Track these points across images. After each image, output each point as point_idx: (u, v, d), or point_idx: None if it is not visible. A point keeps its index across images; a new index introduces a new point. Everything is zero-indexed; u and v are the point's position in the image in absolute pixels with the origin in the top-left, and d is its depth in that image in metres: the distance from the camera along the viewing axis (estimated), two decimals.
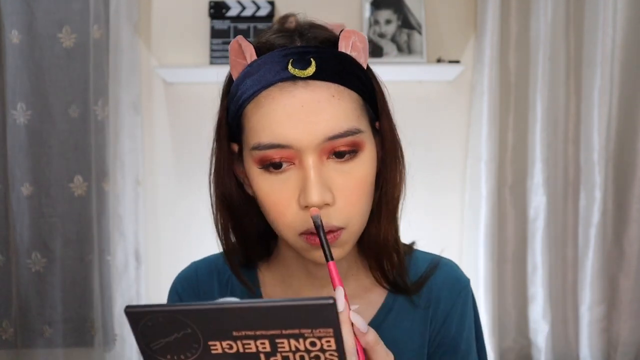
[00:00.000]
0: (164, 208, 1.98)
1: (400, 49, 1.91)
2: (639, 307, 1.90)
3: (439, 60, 1.92)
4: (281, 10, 1.93)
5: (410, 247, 0.75)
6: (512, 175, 1.95)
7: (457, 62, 1.90)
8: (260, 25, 1.89)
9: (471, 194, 1.94)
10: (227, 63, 2.04)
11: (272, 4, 1.89)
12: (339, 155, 0.60)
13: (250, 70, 0.61)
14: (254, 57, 0.62)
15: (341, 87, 0.60)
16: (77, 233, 1.86)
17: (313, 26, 0.65)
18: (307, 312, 0.43)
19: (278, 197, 0.61)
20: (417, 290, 0.71)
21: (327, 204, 0.59)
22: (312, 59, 0.59)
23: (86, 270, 1.85)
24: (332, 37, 0.64)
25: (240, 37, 0.62)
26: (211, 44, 1.89)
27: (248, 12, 1.89)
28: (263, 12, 1.89)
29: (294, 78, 0.59)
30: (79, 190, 1.86)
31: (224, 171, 0.67)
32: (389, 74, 1.90)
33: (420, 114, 1.98)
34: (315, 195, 0.58)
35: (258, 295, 0.73)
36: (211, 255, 0.79)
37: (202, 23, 1.94)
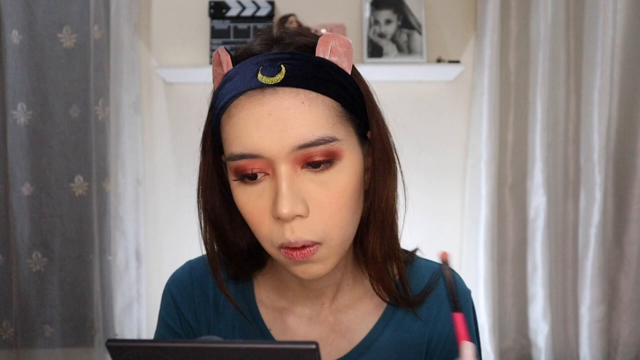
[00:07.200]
0: (164, 208, 1.98)
1: (400, 49, 1.91)
2: (639, 307, 1.90)
3: (439, 60, 1.92)
4: (281, 10, 1.93)
5: (412, 255, 0.73)
6: (512, 175, 1.95)
7: (457, 62, 1.90)
8: (260, 25, 1.89)
9: (471, 194, 1.94)
10: None
11: (272, 4, 1.89)
12: (313, 165, 0.57)
13: (226, 79, 0.60)
14: (230, 66, 0.61)
15: (313, 94, 0.57)
16: (78, 233, 1.86)
17: (298, 33, 0.63)
18: (289, 355, 0.42)
19: (253, 208, 0.59)
20: (419, 304, 0.69)
21: (300, 216, 0.57)
22: (282, 66, 0.57)
23: (87, 270, 1.85)
24: (313, 44, 0.61)
25: (220, 48, 0.61)
26: (211, 44, 1.89)
27: (248, 12, 1.89)
28: (263, 12, 1.89)
29: (262, 86, 0.57)
30: (80, 190, 1.86)
31: (209, 183, 0.65)
32: (389, 74, 1.91)
33: (420, 114, 1.98)
34: (285, 207, 0.56)
35: (252, 303, 0.72)
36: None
37: (202, 23, 1.94)
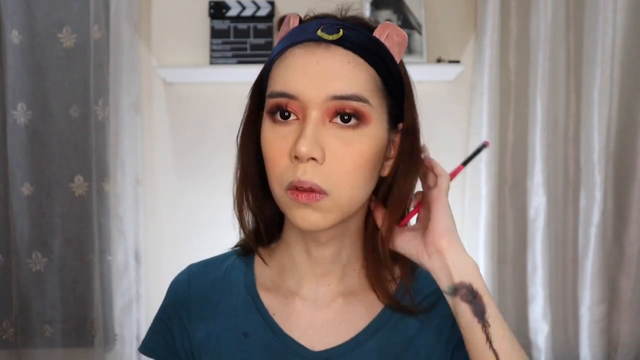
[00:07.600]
0: (164, 208, 1.98)
1: None
2: (639, 307, 1.90)
3: (439, 60, 1.92)
4: (281, 10, 1.93)
5: None
6: (512, 175, 1.95)
7: (457, 62, 1.90)
8: (260, 25, 1.89)
9: (471, 194, 1.94)
10: (226, 63, 2.05)
11: (272, 4, 1.89)
12: (342, 119, 0.61)
13: (288, 34, 0.66)
14: (296, 24, 0.67)
15: (360, 59, 0.62)
16: (78, 233, 1.86)
17: (360, 16, 0.69)
18: None
19: (275, 147, 0.63)
20: (422, 312, 0.70)
21: (314, 159, 0.60)
22: (341, 29, 0.63)
23: (86, 270, 1.85)
24: (372, 27, 0.66)
25: (293, 13, 0.68)
26: (211, 44, 1.89)
27: (248, 12, 1.89)
28: (263, 12, 1.89)
29: (319, 40, 0.62)
30: (80, 190, 1.86)
31: (249, 124, 0.69)
32: None
33: (420, 114, 1.97)
34: (304, 145, 0.59)
35: (253, 291, 0.73)
36: (213, 259, 0.79)
37: (202, 23, 1.94)
